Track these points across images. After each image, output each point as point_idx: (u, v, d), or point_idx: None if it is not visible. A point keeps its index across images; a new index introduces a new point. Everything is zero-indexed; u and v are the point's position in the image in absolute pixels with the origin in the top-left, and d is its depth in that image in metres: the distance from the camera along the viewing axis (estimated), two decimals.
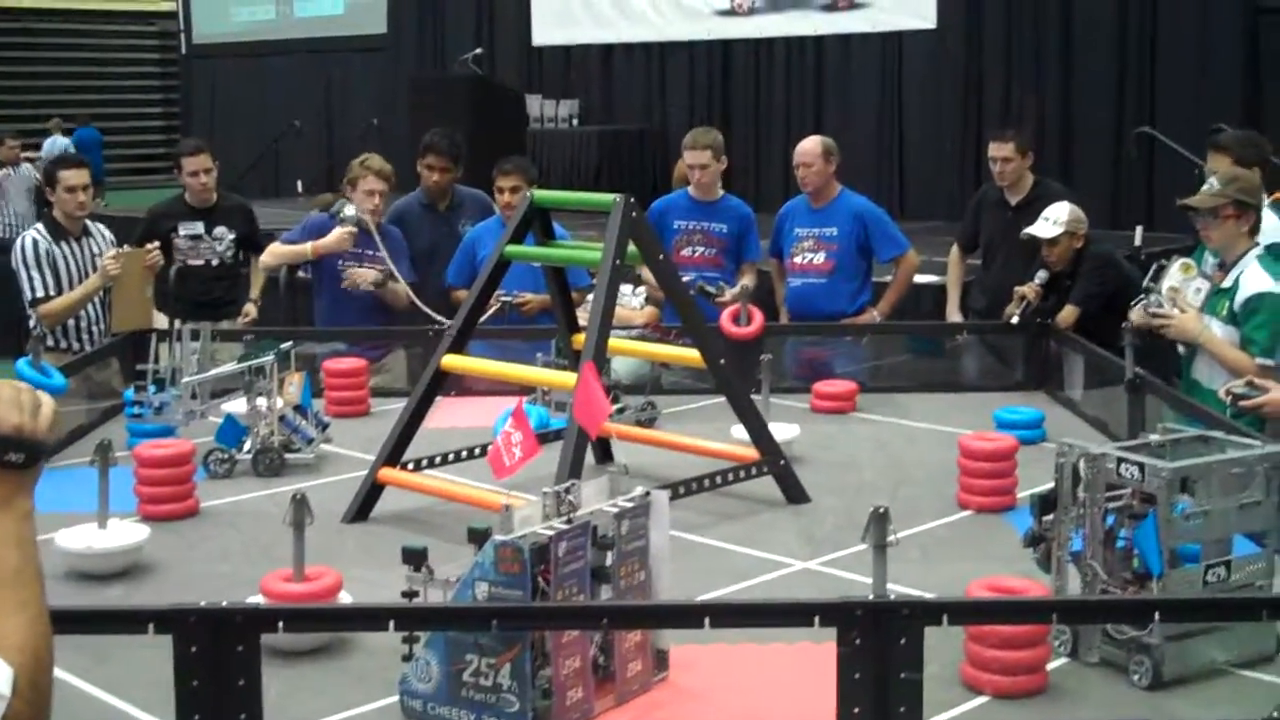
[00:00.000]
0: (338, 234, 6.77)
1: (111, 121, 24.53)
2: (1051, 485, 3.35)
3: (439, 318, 6.39)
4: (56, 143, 20.95)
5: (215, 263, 7.01)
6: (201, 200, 7.39)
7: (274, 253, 7.13)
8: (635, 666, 3.13)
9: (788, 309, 7.28)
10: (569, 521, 3.03)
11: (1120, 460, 3.24)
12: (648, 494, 3.21)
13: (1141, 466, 3.19)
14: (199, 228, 7.18)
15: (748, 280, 7.00)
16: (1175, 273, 5.41)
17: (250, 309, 7.42)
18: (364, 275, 6.79)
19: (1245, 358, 5.01)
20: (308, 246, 6.89)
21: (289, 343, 5.22)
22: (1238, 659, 3.22)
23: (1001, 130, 7.39)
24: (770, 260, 7.46)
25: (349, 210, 6.76)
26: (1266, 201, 6.05)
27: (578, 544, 3.01)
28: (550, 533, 2.96)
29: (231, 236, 7.28)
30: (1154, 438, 3.50)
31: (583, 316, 5.10)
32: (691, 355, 4.77)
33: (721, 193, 7.21)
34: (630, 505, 3.16)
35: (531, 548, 2.90)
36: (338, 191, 7.66)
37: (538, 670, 2.88)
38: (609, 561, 3.09)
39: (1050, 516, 3.34)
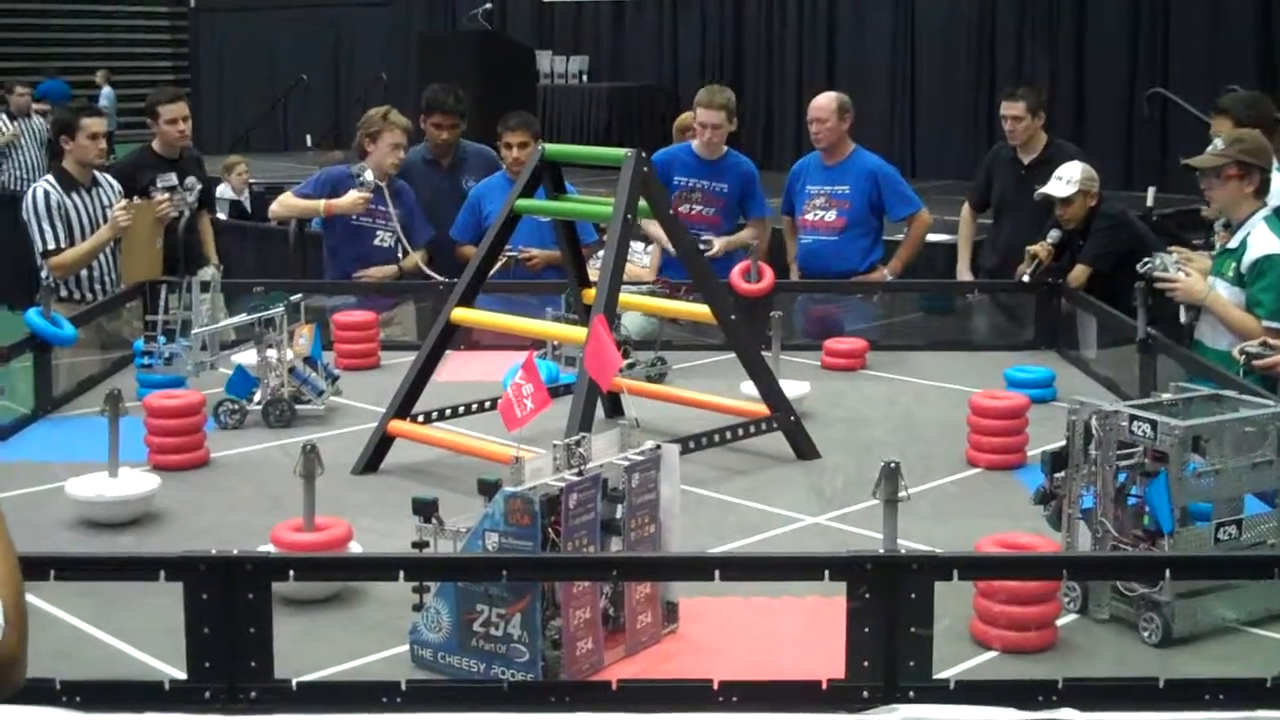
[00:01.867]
0: (352, 197, 6.73)
1: (121, 75, 24.46)
2: (1063, 443, 3.35)
3: (444, 280, 6.38)
4: (105, 94, 20.96)
5: (186, 213, 6.98)
6: (172, 150, 7.34)
7: (285, 204, 7.11)
8: (645, 618, 3.13)
9: (799, 266, 7.26)
10: (579, 474, 3.03)
11: (1132, 418, 3.23)
12: (658, 447, 3.21)
13: (1154, 424, 3.18)
14: (173, 178, 7.13)
15: (751, 234, 6.97)
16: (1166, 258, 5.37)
17: (214, 272, 7.42)
18: (377, 274, 6.81)
19: (1251, 319, 4.99)
20: (320, 204, 6.86)
21: (299, 295, 5.22)
22: (1248, 617, 3.22)
23: (1012, 89, 7.35)
24: (782, 217, 7.43)
25: (368, 176, 6.72)
26: (1276, 164, 6.02)
27: (588, 496, 3.00)
28: (561, 485, 2.96)
29: (199, 187, 7.24)
30: (1166, 396, 3.49)
31: (591, 273, 5.09)
32: (702, 311, 4.76)
33: (725, 149, 7.16)
34: (640, 458, 3.15)
35: (542, 499, 2.90)
36: (347, 148, 7.62)
37: (548, 621, 2.88)
38: (619, 514, 3.08)
39: (1061, 474, 3.33)
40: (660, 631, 3.18)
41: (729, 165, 7.13)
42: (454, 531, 3.11)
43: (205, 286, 5.32)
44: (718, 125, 7.02)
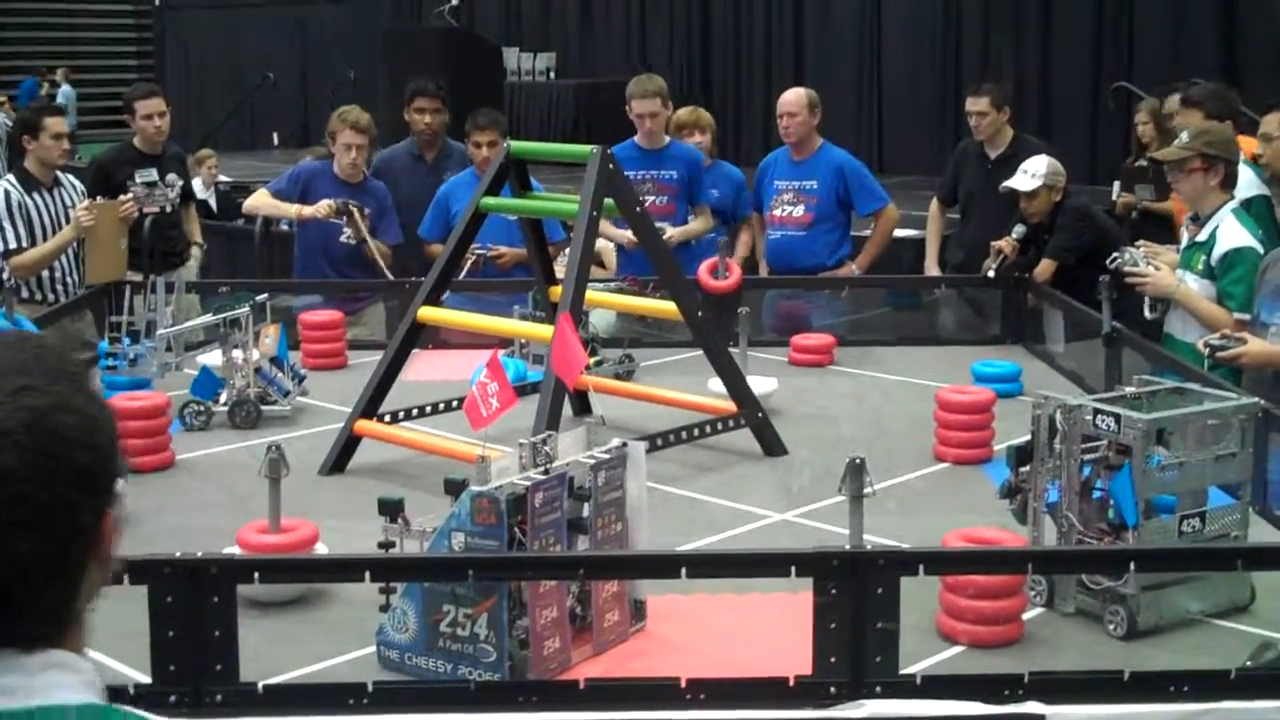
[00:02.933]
0: (324, 205, 6.72)
1: (85, 74, 24.32)
2: (1028, 437, 3.36)
3: (395, 279, 6.38)
4: (64, 92, 20.82)
5: (168, 209, 6.95)
6: (153, 146, 7.32)
7: (260, 202, 7.08)
8: (613, 616, 3.13)
9: (767, 261, 7.27)
10: (545, 472, 3.02)
11: (1096, 411, 3.24)
12: (624, 445, 3.21)
13: (1117, 418, 3.20)
14: (153, 174, 7.10)
15: (701, 224, 6.97)
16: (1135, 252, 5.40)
17: (196, 253, 7.42)
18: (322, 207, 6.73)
19: (1221, 311, 5.02)
20: (293, 209, 6.85)
21: (264, 295, 5.19)
22: (1213, 609, 3.23)
23: (977, 85, 7.38)
24: (752, 213, 7.43)
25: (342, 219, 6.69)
26: (1244, 157, 6.06)
27: (554, 495, 3.00)
28: (527, 483, 2.95)
29: (180, 183, 7.21)
30: (1130, 390, 3.51)
31: (560, 270, 5.08)
32: (669, 308, 4.76)
33: (668, 140, 7.15)
34: (607, 456, 3.15)
35: (508, 498, 2.89)
36: (315, 146, 7.61)
37: (514, 620, 2.87)
38: (586, 513, 3.08)
39: (1026, 468, 3.34)
40: (628, 630, 3.17)
41: (673, 153, 7.10)
42: (420, 531, 3.10)
43: (170, 288, 5.29)
44: (655, 113, 6.99)
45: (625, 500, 3.19)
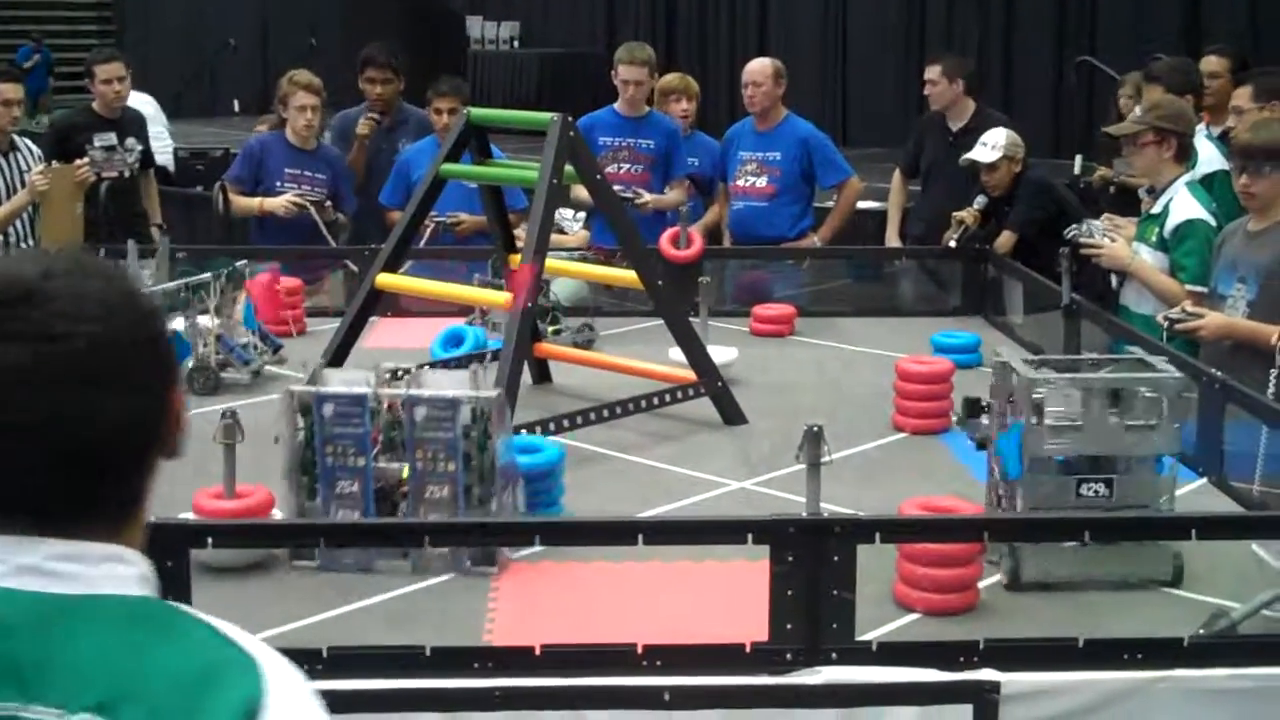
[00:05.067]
0: (286, 199, 6.71)
1: (46, 40, 24.02)
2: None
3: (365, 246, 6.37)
4: (46, 57, 20.60)
5: (127, 174, 6.88)
6: (113, 110, 7.24)
7: (234, 203, 7.03)
8: None
9: (730, 231, 7.26)
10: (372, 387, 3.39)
11: (1005, 365, 3.36)
12: (498, 395, 3.38)
13: (1015, 373, 3.28)
14: (112, 138, 7.02)
15: (677, 195, 6.96)
16: (1095, 224, 5.43)
17: (156, 235, 7.33)
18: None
19: (1174, 284, 5.05)
20: (255, 203, 6.85)
21: (243, 261, 5.16)
22: (1121, 579, 3.24)
23: (934, 54, 7.41)
24: (719, 183, 7.42)
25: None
26: (1202, 130, 6.09)
27: (350, 411, 3.37)
28: (321, 392, 3.36)
29: (140, 148, 7.14)
30: (1092, 356, 3.53)
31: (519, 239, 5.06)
32: (629, 277, 4.75)
33: (648, 109, 7.13)
34: (438, 395, 3.35)
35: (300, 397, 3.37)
36: (273, 112, 7.55)
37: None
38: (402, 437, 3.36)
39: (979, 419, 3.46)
40: None
41: (653, 122, 7.09)
42: None
43: (143, 254, 5.25)
44: (640, 81, 6.97)
45: (459, 446, 3.32)
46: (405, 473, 3.37)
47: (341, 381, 3.46)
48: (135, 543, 1.33)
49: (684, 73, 8.28)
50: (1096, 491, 3.25)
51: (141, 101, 11.93)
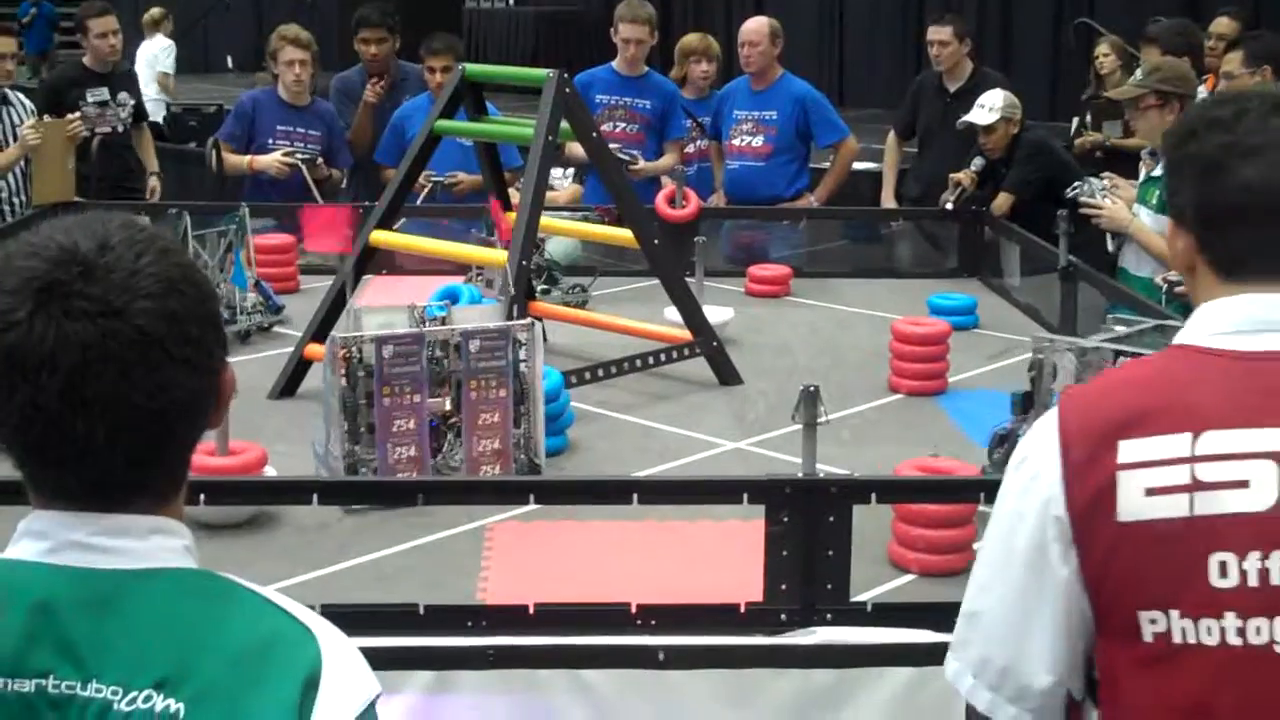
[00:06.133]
0: (276, 158, 6.67)
1: None
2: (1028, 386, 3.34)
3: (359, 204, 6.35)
4: (47, 10, 20.40)
5: (120, 130, 6.83)
6: (105, 65, 7.18)
7: (226, 160, 6.98)
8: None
9: (725, 192, 7.22)
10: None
11: (1117, 354, 3.20)
12: (532, 323, 3.74)
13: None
14: (104, 93, 6.96)
15: (672, 159, 6.92)
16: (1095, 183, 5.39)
17: (155, 183, 7.29)
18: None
19: None
20: (245, 160, 6.80)
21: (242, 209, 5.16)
22: None
23: (941, 14, 7.33)
24: (711, 143, 7.38)
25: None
26: (1203, 93, 6.05)
27: (409, 350, 3.52)
28: (382, 335, 3.50)
29: (132, 103, 7.08)
30: (1120, 329, 3.48)
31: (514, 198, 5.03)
32: (625, 235, 4.72)
33: (646, 69, 7.09)
34: (488, 327, 3.65)
35: (354, 345, 3.48)
36: (265, 68, 7.50)
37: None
38: (457, 370, 3.59)
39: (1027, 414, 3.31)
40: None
41: (651, 83, 7.04)
42: None
43: (139, 211, 5.23)
44: (640, 40, 6.93)
45: (512, 370, 3.65)
46: (447, 405, 3.60)
47: (378, 325, 3.60)
48: (177, 514, 1.32)
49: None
50: None
51: (161, 46, 11.91)
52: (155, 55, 12.09)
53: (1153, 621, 1.48)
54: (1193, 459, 1.49)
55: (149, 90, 11.17)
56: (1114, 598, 1.50)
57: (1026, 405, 3.34)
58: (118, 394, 1.22)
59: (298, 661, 1.23)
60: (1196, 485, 1.49)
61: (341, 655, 1.27)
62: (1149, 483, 1.49)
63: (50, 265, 1.23)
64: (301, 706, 1.20)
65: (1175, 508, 1.48)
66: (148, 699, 1.19)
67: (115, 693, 1.20)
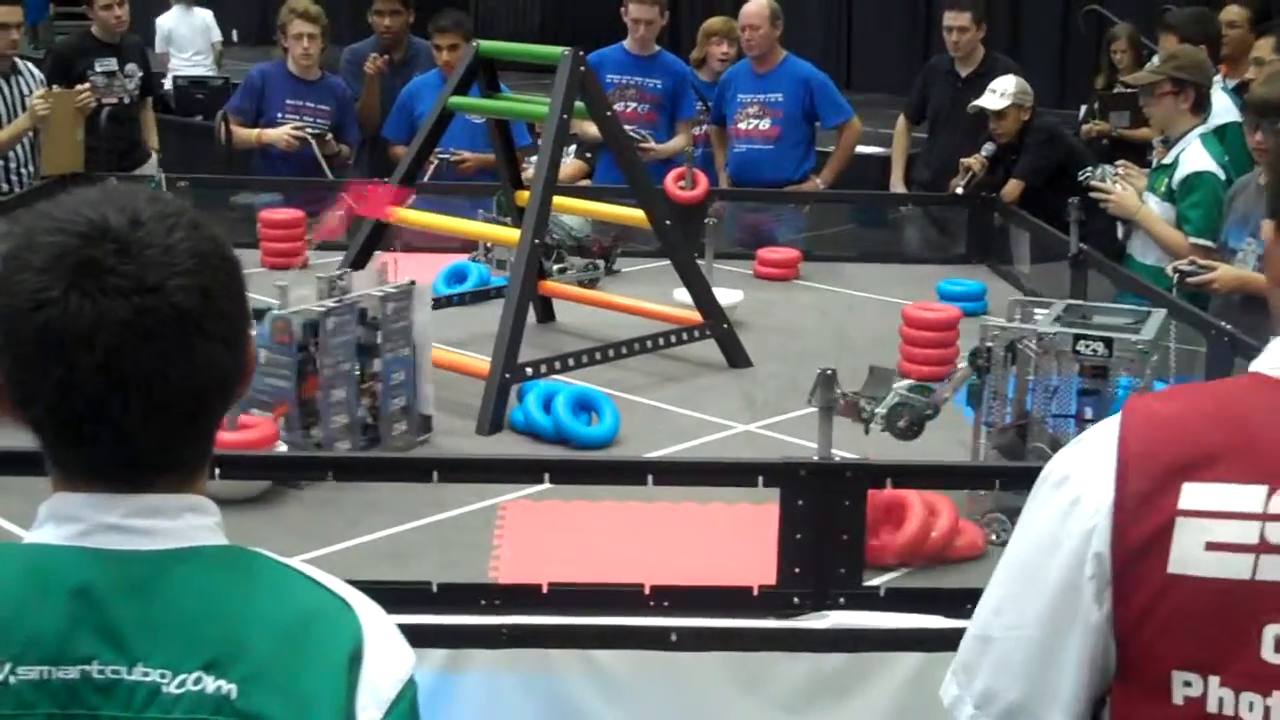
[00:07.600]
0: (285, 132, 6.65)
1: None
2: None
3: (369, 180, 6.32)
4: None
5: (127, 101, 6.81)
6: (112, 35, 7.15)
7: (235, 136, 6.96)
8: (400, 427, 3.74)
9: (730, 175, 7.19)
10: (339, 302, 3.60)
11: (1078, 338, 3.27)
12: (412, 282, 3.79)
13: (1109, 342, 3.25)
14: (113, 64, 6.93)
15: (682, 141, 6.91)
16: (1108, 169, 5.39)
17: (153, 161, 7.26)
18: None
19: (1178, 235, 5.02)
20: (254, 134, 6.79)
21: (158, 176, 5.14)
22: None
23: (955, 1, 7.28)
24: (711, 127, 7.36)
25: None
26: (1218, 82, 6.04)
27: (345, 321, 3.59)
28: (321, 309, 3.53)
29: (140, 74, 7.06)
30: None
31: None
32: (636, 215, 4.71)
33: (657, 49, 7.07)
34: (393, 290, 3.73)
35: (303, 323, 3.48)
36: (274, 42, 7.48)
37: (310, 427, 3.49)
38: (378, 339, 3.67)
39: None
40: (415, 440, 3.76)
41: (662, 63, 7.03)
42: None
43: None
44: (651, 20, 6.91)
45: (412, 329, 3.77)
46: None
47: (297, 299, 3.62)
48: (203, 490, 1.31)
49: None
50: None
51: (208, 17, 11.92)
52: (209, 26, 12.06)
53: (1187, 684, 1.33)
54: (1265, 516, 1.31)
55: (205, 62, 11.22)
56: (1147, 650, 1.35)
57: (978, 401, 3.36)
58: (155, 372, 1.21)
59: (341, 636, 1.23)
60: (1264, 547, 1.31)
61: (381, 627, 1.27)
62: (1211, 536, 1.32)
63: (82, 241, 1.21)
64: (348, 680, 1.20)
65: (1237, 568, 1.31)
66: (198, 681, 1.19)
67: (164, 675, 1.19)
